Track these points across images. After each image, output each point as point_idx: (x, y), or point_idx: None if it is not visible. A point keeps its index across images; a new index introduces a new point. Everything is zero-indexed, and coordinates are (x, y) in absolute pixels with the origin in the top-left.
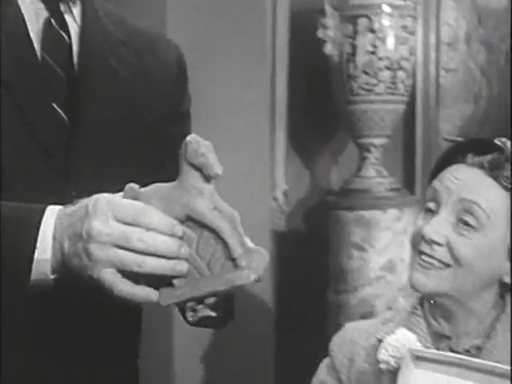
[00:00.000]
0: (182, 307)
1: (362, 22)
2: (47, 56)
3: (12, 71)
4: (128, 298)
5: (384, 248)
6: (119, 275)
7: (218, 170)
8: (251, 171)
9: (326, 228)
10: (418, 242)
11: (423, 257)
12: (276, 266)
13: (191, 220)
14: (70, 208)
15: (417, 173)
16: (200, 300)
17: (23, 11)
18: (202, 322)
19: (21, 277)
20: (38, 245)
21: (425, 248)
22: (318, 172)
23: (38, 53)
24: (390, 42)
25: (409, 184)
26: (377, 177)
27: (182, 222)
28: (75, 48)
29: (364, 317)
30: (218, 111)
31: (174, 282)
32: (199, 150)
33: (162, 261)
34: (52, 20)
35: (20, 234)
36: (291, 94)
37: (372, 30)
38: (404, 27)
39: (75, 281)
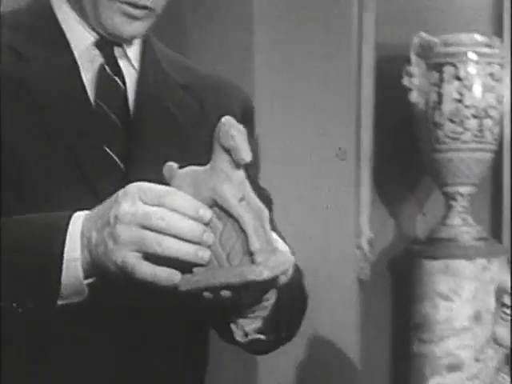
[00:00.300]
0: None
1: (448, 70)
2: (101, 102)
3: (64, 117)
4: (150, 280)
5: (471, 298)
6: (142, 258)
7: (245, 155)
8: (336, 218)
9: (411, 277)
10: (501, 294)
11: (506, 310)
12: (361, 314)
13: (217, 206)
14: (98, 206)
15: (504, 222)
16: (215, 291)
17: (77, 57)
18: (253, 346)
19: (52, 278)
20: (66, 244)
21: (508, 301)
22: (403, 220)
23: (92, 99)
24: (477, 89)
25: (496, 233)
26: (463, 225)
27: (209, 206)
28: (131, 93)
29: (450, 368)
30: (304, 158)
31: (194, 269)
32: (230, 132)
33: (186, 244)
34: (106, 66)
35: (49, 236)
36: (376, 141)
37: (458, 78)
38: (491, 75)
39: (107, 282)
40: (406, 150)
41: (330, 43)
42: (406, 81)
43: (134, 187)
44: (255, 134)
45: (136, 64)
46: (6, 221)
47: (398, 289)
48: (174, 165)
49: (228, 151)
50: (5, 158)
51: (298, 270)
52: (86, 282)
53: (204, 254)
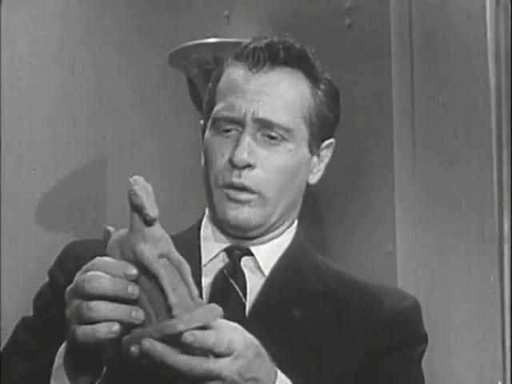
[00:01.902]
0: None
1: None
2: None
3: None
4: (93, 339)
5: None
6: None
7: (151, 212)
8: None
9: None
10: None
11: None
12: None
13: (140, 266)
14: None
15: None
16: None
17: (203, 263)
18: None
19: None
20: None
21: None
22: None
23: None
24: None
25: None
26: None
27: (136, 265)
28: (251, 300)
29: None
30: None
31: (133, 330)
32: (133, 190)
33: (118, 305)
34: (225, 270)
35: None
36: None
37: None
38: None
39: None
40: None
41: (472, 249)
42: None
43: None
44: (417, 342)
45: (267, 270)
46: None
47: None
48: (111, 229)
49: (136, 210)
50: None
51: None
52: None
53: (137, 314)
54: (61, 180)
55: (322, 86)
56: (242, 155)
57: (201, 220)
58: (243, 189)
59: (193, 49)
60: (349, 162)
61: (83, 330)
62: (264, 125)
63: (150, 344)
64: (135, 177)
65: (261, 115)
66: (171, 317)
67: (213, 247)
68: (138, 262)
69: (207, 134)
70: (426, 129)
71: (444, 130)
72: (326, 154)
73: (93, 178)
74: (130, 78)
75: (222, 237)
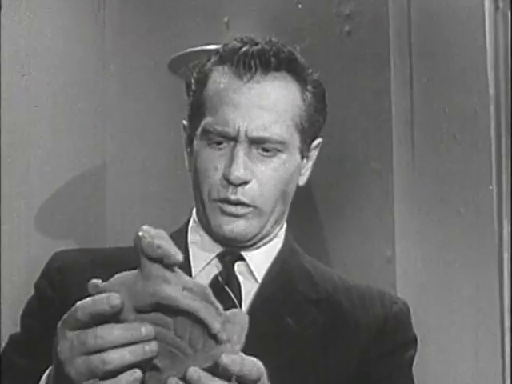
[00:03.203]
0: None
1: None
2: None
3: None
4: None
5: None
6: (100, 382)
7: (178, 257)
8: None
9: None
10: None
11: None
12: None
13: (163, 306)
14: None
15: None
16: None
17: (194, 272)
18: None
19: None
20: None
21: None
22: None
23: None
24: None
25: None
26: None
27: (153, 309)
28: (246, 306)
29: None
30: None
31: (159, 365)
32: (154, 242)
33: (129, 348)
34: (219, 277)
35: None
36: None
37: None
38: None
39: None
40: None
41: (471, 256)
42: None
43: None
44: (408, 346)
45: (259, 277)
46: None
47: None
48: (97, 281)
49: (157, 260)
50: None
51: None
52: None
53: (151, 347)
54: (60, 187)
55: (311, 88)
56: (239, 172)
57: (187, 223)
58: (239, 203)
59: (193, 55)
60: (348, 169)
61: None
62: (258, 141)
63: (197, 374)
64: (144, 227)
65: (255, 133)
66: (217, 342)
67: (204, 253)
68: (161, 305)
69: (197, 143)
70: (425, 135)
71: (443, 136)
72: (314, 154)
73: (92, 186)
74: (130, 85)
75: (213, 243)
